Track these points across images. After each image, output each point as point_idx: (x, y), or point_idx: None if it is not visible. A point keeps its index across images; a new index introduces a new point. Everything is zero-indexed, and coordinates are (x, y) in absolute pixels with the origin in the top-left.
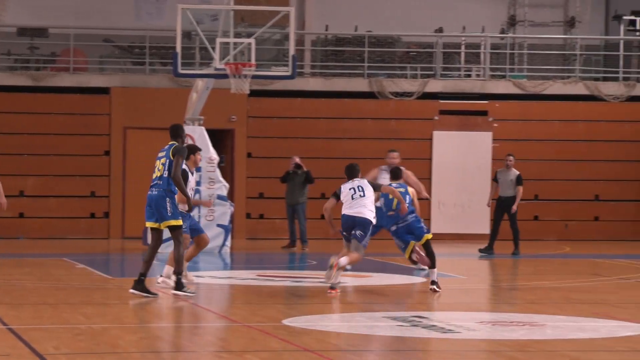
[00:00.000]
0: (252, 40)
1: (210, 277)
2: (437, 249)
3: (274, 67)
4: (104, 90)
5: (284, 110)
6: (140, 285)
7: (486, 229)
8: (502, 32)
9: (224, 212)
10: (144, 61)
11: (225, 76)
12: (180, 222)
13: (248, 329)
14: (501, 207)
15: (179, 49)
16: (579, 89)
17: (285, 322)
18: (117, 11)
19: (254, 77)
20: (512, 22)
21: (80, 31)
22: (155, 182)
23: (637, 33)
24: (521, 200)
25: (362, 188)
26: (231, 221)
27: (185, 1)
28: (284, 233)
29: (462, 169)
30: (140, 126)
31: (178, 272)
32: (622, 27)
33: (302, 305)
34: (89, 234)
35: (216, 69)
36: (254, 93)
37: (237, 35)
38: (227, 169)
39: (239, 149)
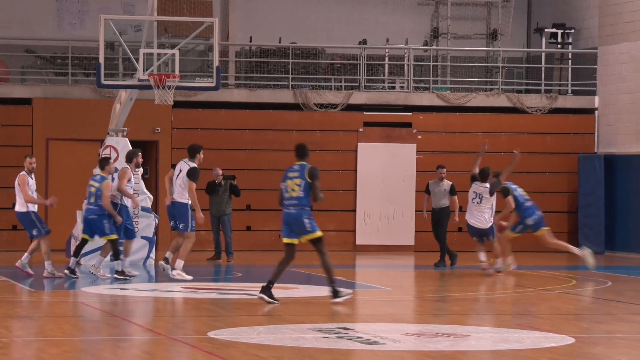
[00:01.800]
0: (175, 51)
1: (135, 290)
2: (361, 260)
3: (198, 79)
4: (26, 101)
5: (208, 121)
6: (267, 291)
7: (411, 241)
8: (426, 44)
9: (149, 224)
10: (66, 72)
11: (149, 87)
12: (320, 233)
13: (173, 342)
14: (436, 218)
15: (102, 60)
16: (502, 101)
17: (211, 334)
18: (38, 21)
19: (178, 88)
20: (435, 34)
21: (1, 41)
22: (293, 201)
23: (559, 46)
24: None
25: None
26: (155, 233)
27: (107, 11)
28: (209, 245)
29: (387, 181)
30: (63, 137)
31: (332, 281)
32: (543, 40)
33: (228, 317)
34: (11, 246)
35: (140, 80)
36: (178, 104)
37: (161, 46)
38: (151, 180)
39: (163, 161)
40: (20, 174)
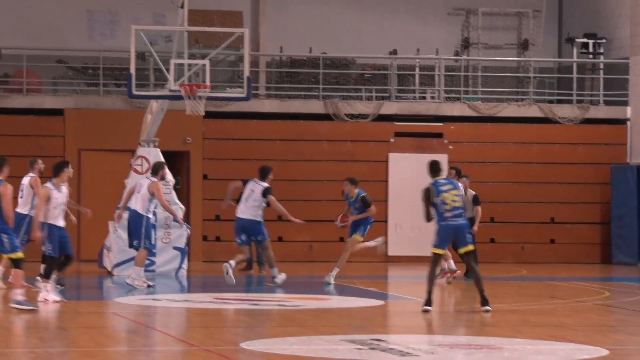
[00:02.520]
0: (206, 62)
1: (167, 300)
2: (393, 271)
3: (229, 89)
4: (58, 112)
5: (239, 131)
6: (428, 301)
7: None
8: (456, 54)
9: (180, 234)
10: (97, 82)
11: (180, 98)
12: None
13: (206, 353)
14: None
15: (133, 70)
16: (533, 111)
17: (243, 345)
18: (70, 32)
19: (209, 98)
20: (466, 44)
21: (33, 52)
22: (458, 211)
23: (590, 56)
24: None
25: None
26: (187, 244)
27: (138, 22)
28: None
29: (418, 191)
30: (95, 148)
31: (482, 290)
32: (575, 50)
33: (260, 329)
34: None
35: (171, 91)
36: (209, 115)
37: (192, 56)
38: (183, 191)
39: (194, 171)
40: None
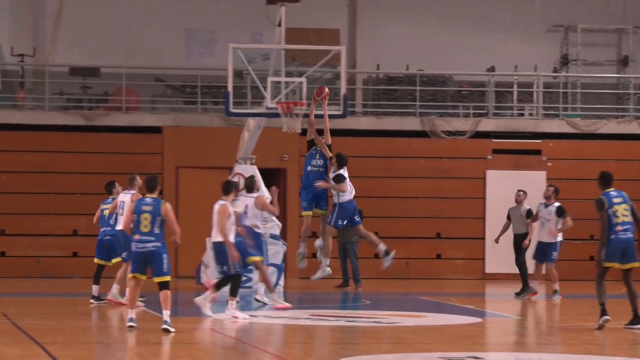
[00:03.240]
0: (303, 79)
1: (264, 317)
2: (491, 289)
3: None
4: (156, 130)
5: (335, 149)
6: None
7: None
8: (555, 71)
9: (277, 251)
10: (195, 100)
11: (276, 115)
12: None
13: None
14: (517, 245)
15: (230, 88)
16: (634, 128)
17: None
18: (168, 50)
19: (306, 115)
20: (565, 61)
21: (132, 71)
22: (627, 225)
23: None
24: (576, 240)
25: None
26: (284, 260)
27: (236, 40)
28: (337, 272)
29: None
30: (193, 165)
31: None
32: None
33: (356, 345)
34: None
35: (268, 108)
36: (305, 132)
37: (289, 74)
38: (279, 207)
39: (291, 188)
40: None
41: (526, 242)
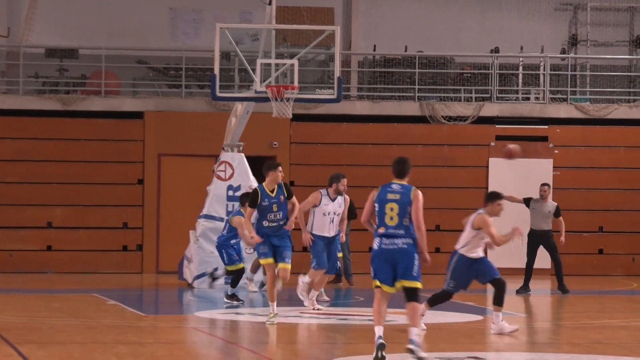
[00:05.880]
0: (295, 62)
1: (251, 315)
2: None
3: (319, 90)
4: (138, 115)
5: (329, 135)
6: None
7: (547, 264)
8: (563, 52)
9: None
10: (179, 84)
11: (266, 99)
12: None
13: None
14: (535, 241)
15: (217, 71)
16: None
17: None
18: (151, 31)
19: (297, 100)
20: (574, 41)
21: (112, 52)
22: None
23: None
24: (584, 232)
25: None
26: None
27: (223, 20)
28: None
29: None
30: (176, 153)
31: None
32: None
33: (348, 345)
34: (121, 268)
35: (257, 92)
36: (297, 117)
37: (279, 56)
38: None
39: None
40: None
41: (563, 239)
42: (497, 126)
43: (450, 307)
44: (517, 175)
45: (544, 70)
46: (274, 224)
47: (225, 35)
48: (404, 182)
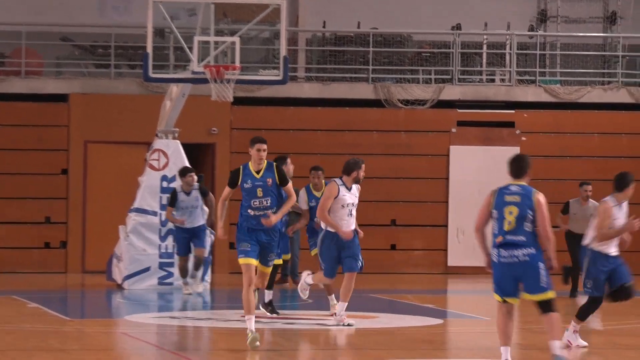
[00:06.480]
0: (236, 39)
1: (187, 318)
2: (454, 284)
3: (262, 71)
4: (62, 98)
5: (274, 120)
6: None
7: None
8: (531, 29)
9: None
10: (108, 63)
11: (204, 81)
12: None
13: None
14: (576, 245)
15: (150, 50)
16: (622, 96)
17: None
18: (77, 6)
19: (239, 82)
20: (543, 18)
21: (33, 28)
22: None
23: None
24: (555, 227)
25: None
26: (211, 252)
27: None
28: None
29: (484, 190)
30: (104, 140)
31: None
32: None
33: (296, 352)
34: (43, 267)
35: (194, 73)
36: (238, 101)
37: (219, 33)
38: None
39: (221, 167)
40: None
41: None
42: (458, 111)
43: (408, 310)
44: (481, 165)
45: (510, 50)
46: (259, 213)
47: (159, 10)
48: (523, 183)
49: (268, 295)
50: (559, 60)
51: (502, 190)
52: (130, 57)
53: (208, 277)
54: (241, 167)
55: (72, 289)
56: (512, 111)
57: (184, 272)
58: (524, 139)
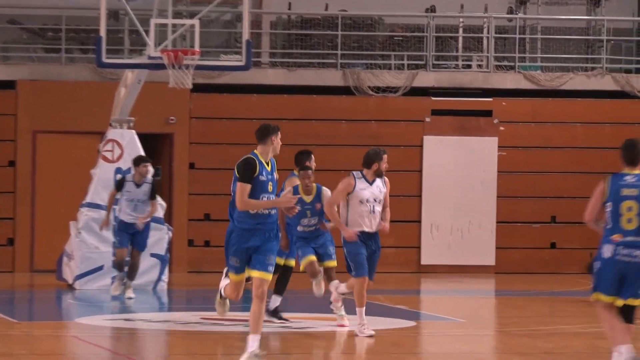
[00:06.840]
0: (195, 22)
1: (142, 321)
2: (428, 284)
3: (224, 55)
4: (9, 85)
5: (236, 109)
6: None
7: (491, 260)
8: (510, 12)
9: (160, 238)
10: (59, 47)
11: (162, 67)
12: None
13: None
14: None
15: (103, 33)
16: (606, 83)
17: None
18: None
19: (198, 67)
20: (523, 0)
21: None
22: None
23: None
24: (534, 223)
25: None
26: (169, 250)
27: None
28: None
29: (460, 184)
30: (54, 129)
31: None
32: None
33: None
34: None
35: (150, 58)
36: (198, 88)
37: (177, 15)
38: (164, 183)
39: (179, 159)
40: None
41: None
42: (433, 98)
43: (378, 312)
44: (456, 156)
45: (488, 33)
46: (264, 212)
47: None
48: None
49: (274, 301)
50: (540, 44)
51: (616, 181)
52: (82, 41)
53: (165, 277)
54: (254, 157)
55: (19, 289)
56: (490, 99)
57: (120, 266)
58: (502, 128)
